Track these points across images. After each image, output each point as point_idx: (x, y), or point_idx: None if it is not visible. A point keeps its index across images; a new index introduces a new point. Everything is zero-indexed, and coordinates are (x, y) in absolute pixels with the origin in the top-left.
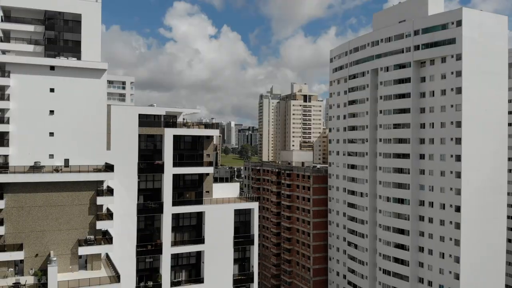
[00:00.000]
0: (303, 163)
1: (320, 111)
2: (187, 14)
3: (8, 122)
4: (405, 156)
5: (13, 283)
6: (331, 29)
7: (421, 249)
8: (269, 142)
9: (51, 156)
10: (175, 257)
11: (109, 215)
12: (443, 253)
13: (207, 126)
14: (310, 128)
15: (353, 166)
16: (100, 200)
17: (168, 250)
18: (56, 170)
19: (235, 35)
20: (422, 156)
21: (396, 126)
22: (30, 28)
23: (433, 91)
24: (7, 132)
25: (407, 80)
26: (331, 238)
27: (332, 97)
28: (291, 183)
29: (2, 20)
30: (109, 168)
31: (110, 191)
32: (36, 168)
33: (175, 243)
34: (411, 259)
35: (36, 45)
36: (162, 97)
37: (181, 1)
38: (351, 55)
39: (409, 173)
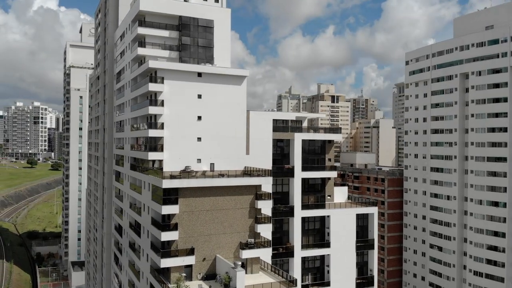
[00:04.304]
0: (366, 165)
1: (347, 111)
2: None
3: (162, 128)
4: (500, 159)
5: None
6: (329, 28)
7: None
8: None
9: (199, 160)
10: (302, 260)
11: (268, 218)
12: None
13: (329, 130)
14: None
15: (437, 169)
16: (259, 204)
17: (299, 253)
18: (222, 175)
19: (233, 34)
20: None
21: (491, 130)
22: (165, 33)
23: None
24: (161, 138)
25: (503, 85)
26: (406, 241)
27: (408, 100)
28: (360, 186)
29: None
30: (266, 172)
31: (268, 195)
32: (185, 172)
33: (302, 247)
34: (507, 260)
35: (171, 51)
36: None
37: None
38: (434, 58)
39: (505, 176)
